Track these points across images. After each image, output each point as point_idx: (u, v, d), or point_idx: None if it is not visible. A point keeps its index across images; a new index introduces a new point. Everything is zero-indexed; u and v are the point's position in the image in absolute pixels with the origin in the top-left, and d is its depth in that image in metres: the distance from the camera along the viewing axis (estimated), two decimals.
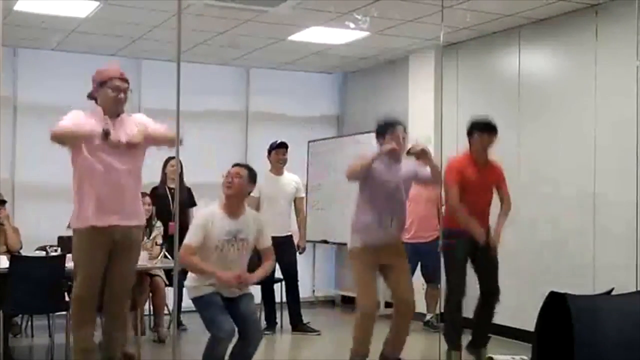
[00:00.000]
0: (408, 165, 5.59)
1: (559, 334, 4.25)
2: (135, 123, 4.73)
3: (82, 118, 4.60)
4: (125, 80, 4.73)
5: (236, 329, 4.86)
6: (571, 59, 6.82)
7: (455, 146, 7.72)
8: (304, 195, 7.85)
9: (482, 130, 6.00)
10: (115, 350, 4.83)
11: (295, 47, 8.28)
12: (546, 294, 4.38)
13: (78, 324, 4.64)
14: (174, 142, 4.45)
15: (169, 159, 7.37)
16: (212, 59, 8.88)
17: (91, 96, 4.74)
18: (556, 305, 4.26)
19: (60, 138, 4.54)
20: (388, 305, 7.79)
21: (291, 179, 7.65)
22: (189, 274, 5.07)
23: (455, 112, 7.77)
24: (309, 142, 9.51)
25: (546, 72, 7.09)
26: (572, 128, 6.71)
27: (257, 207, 7.05)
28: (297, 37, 7.85)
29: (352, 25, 7.16)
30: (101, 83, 4.67)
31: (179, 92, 4.19)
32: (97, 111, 4.66)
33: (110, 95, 4.65)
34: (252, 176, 5.13)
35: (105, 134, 4.52)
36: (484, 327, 6.09)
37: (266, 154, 7.65)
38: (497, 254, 5.98)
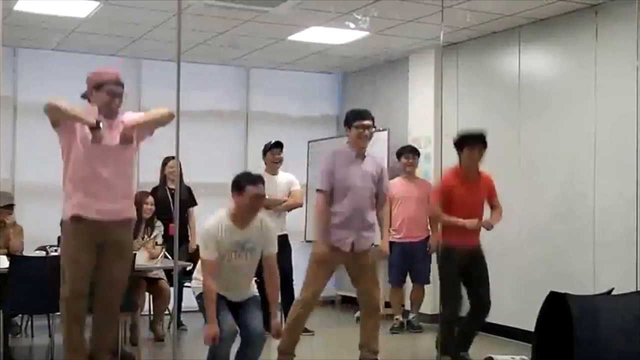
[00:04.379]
0: (375, 165, 5.59)
1: (559, 334, 4.25)
2: (126, 121, 4.62)
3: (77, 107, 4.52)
4: (121, 85, 4.63)
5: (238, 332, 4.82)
6: (571, 59, 6.82)
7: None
8: (299, 187, 7.59)
9: (473, 144, 5.80)
10: (102, 352, 4.74)
11: (295, 47, 8.28)
12: (546, 294, 4.40)
13: (67, 324, 4.56)
14: (171, 115, 4.40)
15: (168, 159, 7.36)
16: (212, 59, 8.88)
17: (85, 97, 4.65)
18: (556, 305, 4.27)
19: (55, 111, 4.44)
20: (387, 305, 7.80)
21: (285, 177, 7.48)
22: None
23: (455, 112, 7.76)
24: (309, 142, 9.50)
25: (546, 72, 7.09)
26: (572, 129, 6.70)
27: None
28: (297, 37, 7.84)
29: (352, 25, 7.16)
30: (97, 86, 4.57)
31: (179, 92, 4.20)
32: (91, 110, 4.56)
33: (105, 100, 4.55)
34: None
35: (97, 124, 4.39)
36: (469, 335, 6.02)
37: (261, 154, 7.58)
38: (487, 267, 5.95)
